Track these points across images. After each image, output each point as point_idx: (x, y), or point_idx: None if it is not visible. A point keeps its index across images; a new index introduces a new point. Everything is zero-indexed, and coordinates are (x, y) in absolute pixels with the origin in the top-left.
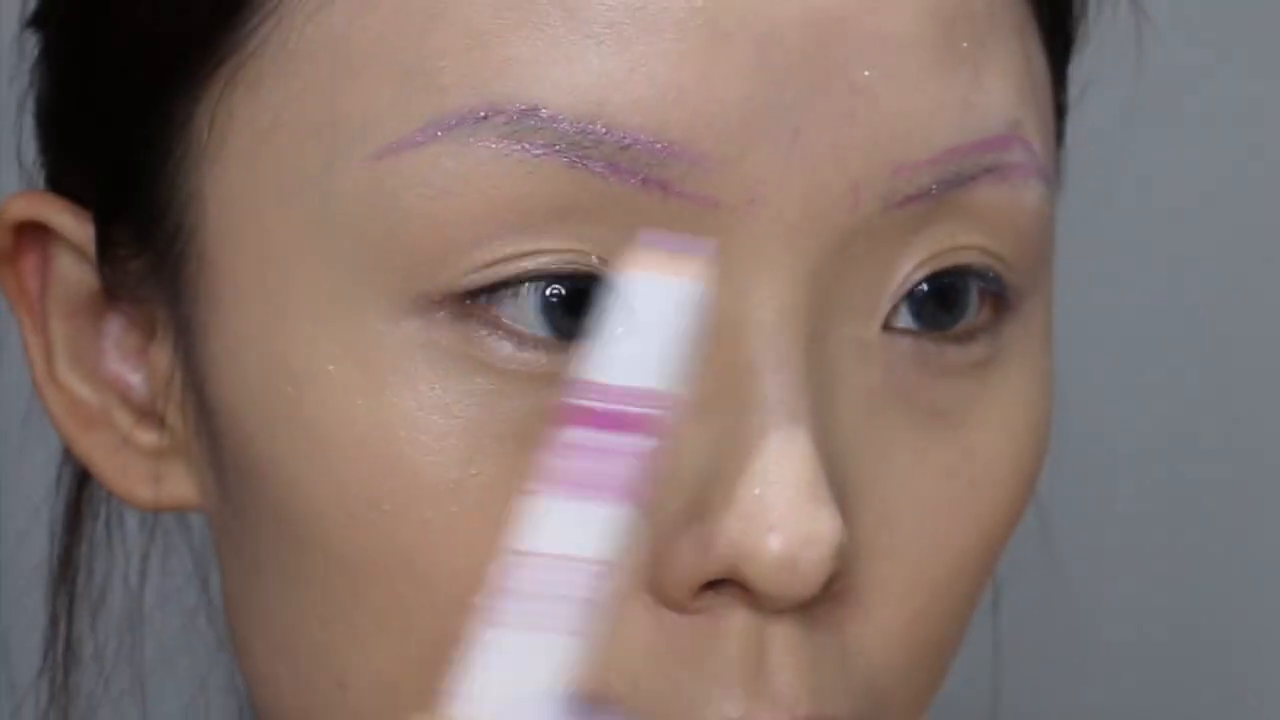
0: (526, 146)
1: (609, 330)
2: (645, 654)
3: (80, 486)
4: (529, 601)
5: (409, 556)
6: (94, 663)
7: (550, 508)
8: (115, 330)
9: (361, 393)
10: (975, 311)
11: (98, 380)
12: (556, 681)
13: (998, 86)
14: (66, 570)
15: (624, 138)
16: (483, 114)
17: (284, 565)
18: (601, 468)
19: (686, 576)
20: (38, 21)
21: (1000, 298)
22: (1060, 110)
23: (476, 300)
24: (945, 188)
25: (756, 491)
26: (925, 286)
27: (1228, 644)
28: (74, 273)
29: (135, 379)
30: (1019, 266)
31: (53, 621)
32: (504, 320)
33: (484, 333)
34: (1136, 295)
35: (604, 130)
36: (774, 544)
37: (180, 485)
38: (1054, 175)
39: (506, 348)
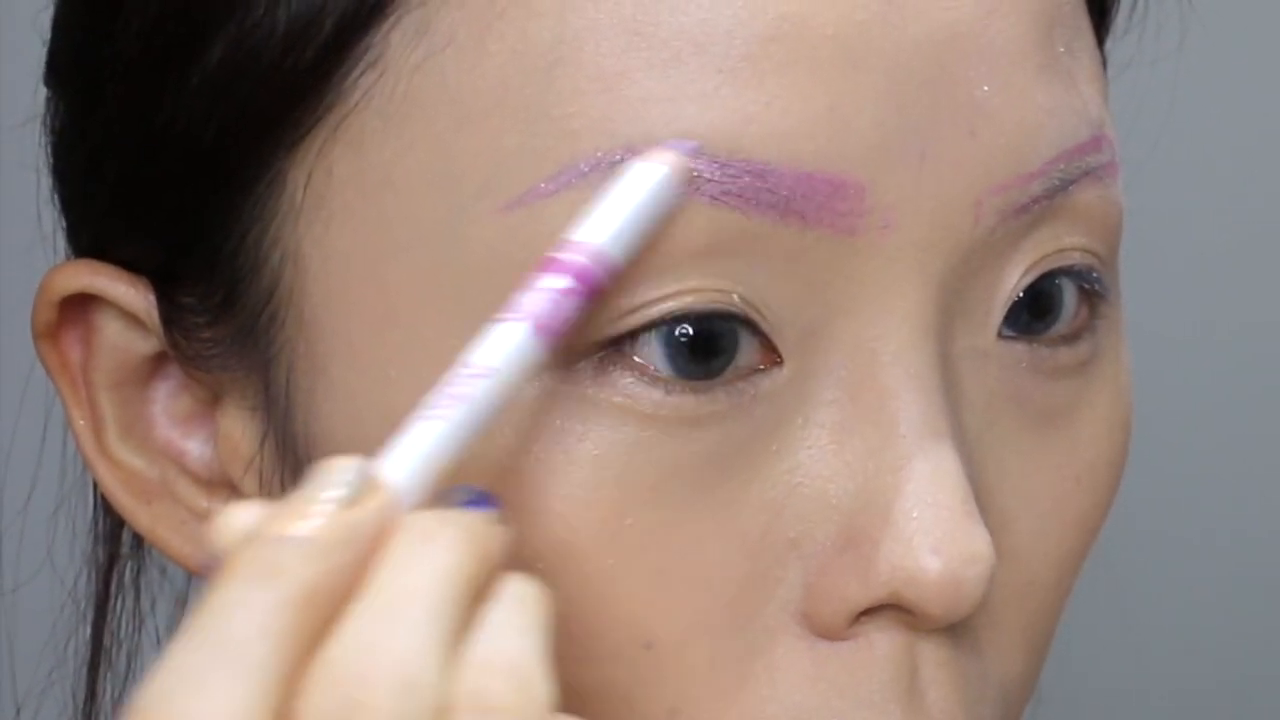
0: None
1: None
2: (802, 685)
3: (111, 565)
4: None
5: (564, 613)
6: None
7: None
8: (162, 396)
9: (505, 451)
10: (1074, 312)
11: (151, 450)
12: (430, 455)
13: (1088, 89)
14: (98, 653)
15: (763, 172)
16: (618, 157)
17: None
18: (519, 297)
19: (846, 606)
20: (78, 89)
21: (1096, 295)
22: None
23: (619, 347)
24: (1052, 193)
25: (915, 514)
26: (1021, 294)
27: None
28: (122, 340)
29: (190, 445)
30: (1110, 262)
31: (89, 697)
32: (648, 366)
33: (629, 380)
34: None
35: (743, 165)
36: (937, 565)
37: None
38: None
39: (655, 393)
